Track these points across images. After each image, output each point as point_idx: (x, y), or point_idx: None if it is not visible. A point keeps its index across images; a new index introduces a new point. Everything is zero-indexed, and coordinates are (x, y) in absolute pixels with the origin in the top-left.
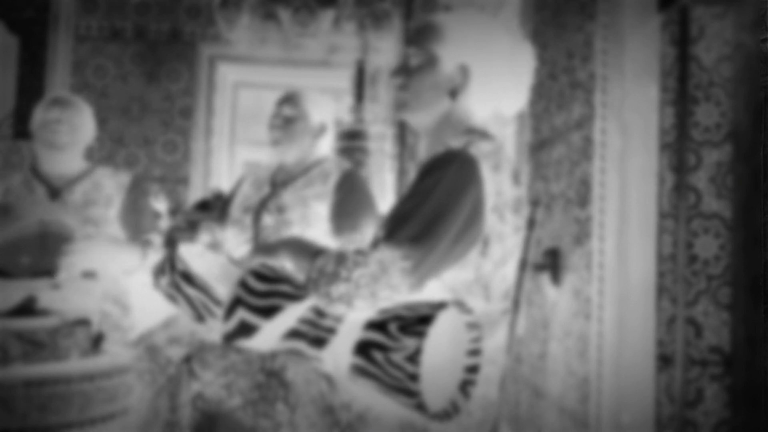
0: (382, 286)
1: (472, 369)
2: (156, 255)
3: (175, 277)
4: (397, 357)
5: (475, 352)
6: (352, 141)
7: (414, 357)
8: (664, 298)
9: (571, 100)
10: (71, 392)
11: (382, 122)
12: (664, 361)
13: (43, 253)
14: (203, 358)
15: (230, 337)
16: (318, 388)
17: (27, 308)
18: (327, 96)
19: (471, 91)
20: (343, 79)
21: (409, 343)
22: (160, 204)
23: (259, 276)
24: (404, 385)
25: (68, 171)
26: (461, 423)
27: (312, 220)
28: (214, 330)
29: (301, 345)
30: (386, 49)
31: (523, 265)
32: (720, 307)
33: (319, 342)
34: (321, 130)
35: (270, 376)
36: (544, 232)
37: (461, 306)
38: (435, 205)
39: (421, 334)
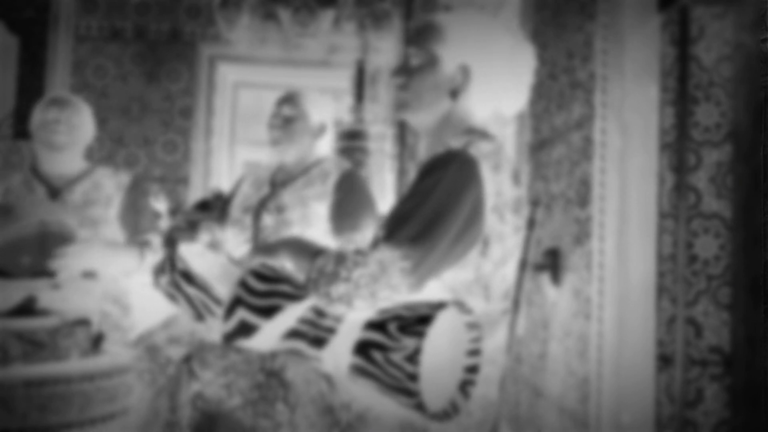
0: (382, 286)
1: (472, 369)
2: (154, 256)
3: (176, 276)
4: (397, 357)
5: (474, 352)
6: (352, 141)
7: (413, 357)
8: (664, 298)
9: (571, 100)
10: (71, 392)
11: (382, 122)
12: (664, 361)
13: (43, 253)
14: (203, 357)
15: (230, 337)
16: (318, 388)
17: (27, 308)
18: (327, 96)
19: (471, 91)
20: (343, 79)
21: (409, 343)
22: (160, 204)
23: (259, 276)
24: (404, 385)
25: (68, 171)
26: (461, 423)
27: (312, 220)
28: (214, 330)
29: (300, 345)
30: (386, 49)
31: (523, 265)
32: (720, 307)
33: (318, 342)
34: (321, 130)
35: (270, 376)
36: (544, 232)
37: (461, 306)
38: (435, 205)
39: (420, 334)
